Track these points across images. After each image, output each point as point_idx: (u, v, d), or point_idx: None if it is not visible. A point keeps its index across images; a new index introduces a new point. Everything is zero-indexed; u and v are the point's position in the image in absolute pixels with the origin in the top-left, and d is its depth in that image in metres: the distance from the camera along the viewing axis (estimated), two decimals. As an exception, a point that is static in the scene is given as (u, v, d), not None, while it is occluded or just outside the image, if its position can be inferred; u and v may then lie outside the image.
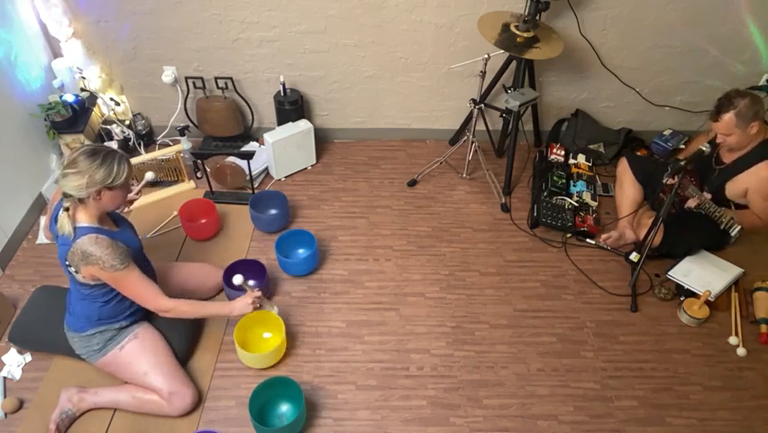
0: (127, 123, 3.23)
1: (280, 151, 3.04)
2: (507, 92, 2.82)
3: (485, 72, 2.71)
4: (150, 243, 2.75)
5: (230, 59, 3.07)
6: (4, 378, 2.20)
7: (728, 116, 2.31)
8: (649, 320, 2.51)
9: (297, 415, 1.99)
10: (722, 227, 2.42)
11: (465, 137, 3.05)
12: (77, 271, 1.87)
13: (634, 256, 2.56)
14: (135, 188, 2.26)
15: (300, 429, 2.05)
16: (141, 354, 2.05)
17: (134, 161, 2.85)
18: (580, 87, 3.24)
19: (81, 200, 1.82)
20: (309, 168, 3.25)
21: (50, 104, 2.82)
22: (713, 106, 2.39)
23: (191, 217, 2.75)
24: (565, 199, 2.93)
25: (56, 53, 3.00)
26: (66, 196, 1.81)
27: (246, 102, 3.24)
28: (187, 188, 3.06)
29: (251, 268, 2.51)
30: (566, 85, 3.24)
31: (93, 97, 3.04)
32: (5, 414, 2.09)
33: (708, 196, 2.51)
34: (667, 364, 2.34)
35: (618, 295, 2.60)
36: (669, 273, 2.63)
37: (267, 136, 3.00)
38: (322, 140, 3.41)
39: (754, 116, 2.31)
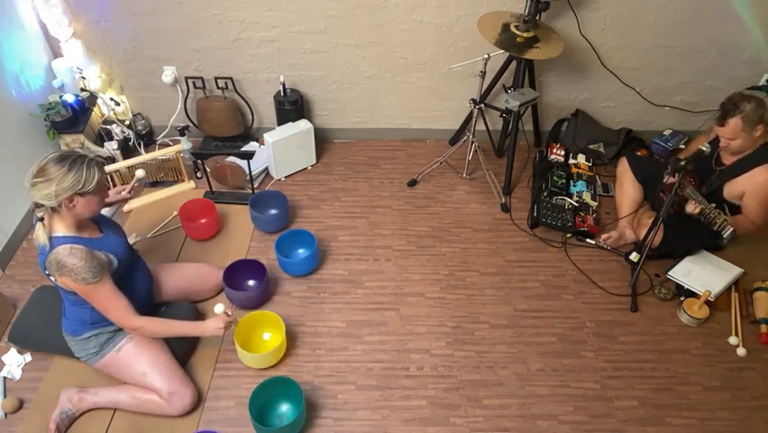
0: (127, 123, 3.23)
1: (280, 151, 3.04)
2: (507, 92, 2.82)
3: (485, 72, 2.71)
4: (150, 243, 2.75)
5: (230, 59, 3.07)
6: (4, 378, 2.20)
7: (735, 121, 2.30)
8: (649, 320, 2.51)
9: (297, 415, 1.99)
10: (715, 228, 2.42)
11: (465, 137, 3.05)
12: (56, 280, 1.85)
13: (634, 256, 2.56)
14: (127, 187, 2.23)
15: (300, 429, 2.05)
16: (138, 355, 2.05)
17: (134, 161, 2.86)
18: (580, 87, 3.24)
19: (54, 209, 1.77)
20: (309, 168, 3.25)
21: (50, 104, 2.82)
22: (718, 111, 2.37)
23: (191, 217, 2.75)
24: (565, 199, 2.93)
25: (56, 53, 3.00)
26: (38, 206, 1.76)
27: (246, 102, 3.24)
28: (187, 188, 3.06)
29: (251, 268, 2.51)
30: (566, 85, 3.24)
31: (93, 97, 3.04)
32: (5, 414, 2.09)
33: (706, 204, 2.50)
34: (667, 364, 2.34)
35: (618, 295, 2.60)
36: (669, 273, 2.63)
37: (267, 136, 3.00)
38: (322, 140, 3.41)
39: (758, 120, 2.30)
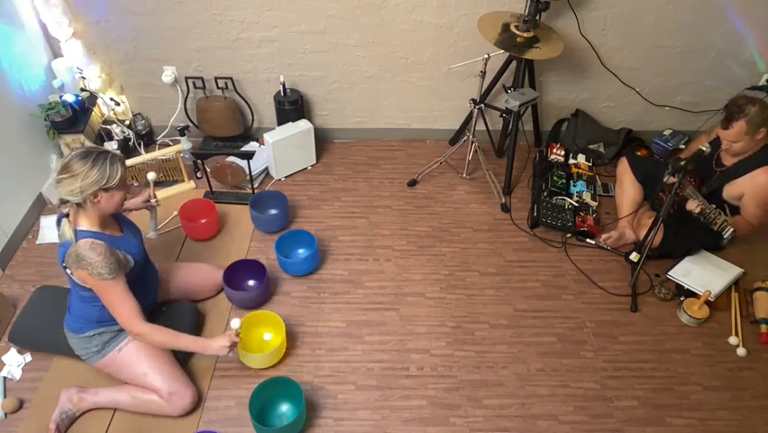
0: (127, 123, 3.23)
1: (280, 151, 3.04)
2: (507, 92, 2.82)
3: (485, 72, 2.71)
4: (151, 243, 2.74)
5: (230, 59, 3.07)
6: (4, 378, 2.20)
7: (739, 124, 2.30)
8: (649, 320, 2.51)
9: (297, 415, 1.99)
10: (715, 228, 2.42)
11: (465, 137, 3.05)
12: (72, 273, 1.87)
13: (634, 256, 2.56)
14: (147, 193, 2.30)
15: (300, 429, 2.05)
16: (139, 356, 2.05)
17: (134, 161, 2.86)
18: (580, 87, 3.24)
19: (79, 205, 1.81)
20: (309, 168, 3.25)
21: (50, 104, 2.82)
22: (722, 114, 2.37)
23: (191, 217, 2.75)
24: (565, 199, 2.93)
25: (56, 53, 3.00)
26: (63, 202, 1.80)
27: (246, 102, 3.24)
28: (187, 188, 3.06)
29: (251, 268, 2.51)
30: (566, 85, 3.24)
31: (93, 97, 3.03)
32: (5, 414, 2.09)
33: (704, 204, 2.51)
34: (667, 364, 2.34)
35: (618, 295, 2.60)
36: (669, 273, 2.63)
37: (267, 136, 3.00)
38: (322, 140, 3.41)
39: (762, 123, 2.30)
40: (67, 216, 1.81)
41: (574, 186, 3.06)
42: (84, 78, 2.99)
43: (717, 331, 2.47)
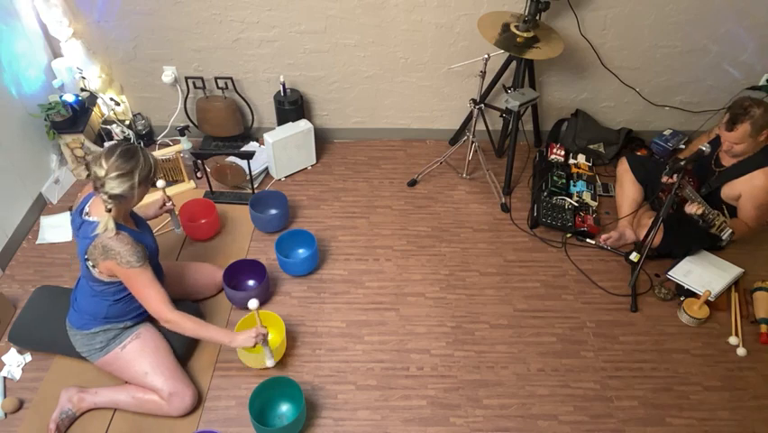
0: (127, 123, 3.23)
1: (280, 151, 3.04)
2: (507, 92, 2.82)
3: (485, 72, 2.71)
4: (150, 243, 2.75)
5: (230, 59, 3.07)
6: (4, 378, 2.20)
7: (744, 126, 2.31)
8: (649, 320, 2.51)
9: (297, 415, 1.99)
10: (714, 230, 2.42)
11: (465, 137, 3.05)
12: (94, 266, 1.89)
13: (634, 256, 2.56)
14: (160, 199, 2.35)
15: (300, 429, 2.05)
16: (142, 354, 2.05)
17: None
18: (580, 87, 3.24)
19: (124, 199, 1.84)
20: (309, 168, 3.25)
21: (50, 104, 2.82)
22: (726, 116, 2.36)
23: (191, 217, 2.75)
24: (565, 199, 2.93)
25: (56, 53, 3.00)
26: (113, 198, 1.80)
27: (246, 102, 3.24)
28: (187, 188, 3.06)
29: (251, 268, 2.51)
30: (566, 85, 3.24)
31: (93, 97, 3.03)
32: (5, 414, 2.09)
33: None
34: (667, 364, 2.34)
35: (618, 295, 2.60)
36: (669, 273, 2.63)
37: (267, 136, 3.00)
38: (322, 140, 3.41)
39: (765, 125, 2.31)
40: (109, 210, 1.82)
41: (574, 186, 3.06)
42: (84, 78, 2.99)
43: (717, 331, 2.47)
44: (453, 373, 2.29)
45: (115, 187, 1.79)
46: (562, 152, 3.22)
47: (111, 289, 1.97)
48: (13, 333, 2.25)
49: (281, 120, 3.16)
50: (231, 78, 3.09)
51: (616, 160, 3.19)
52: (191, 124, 3.29)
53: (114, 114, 3.18)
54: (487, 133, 3.23)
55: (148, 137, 3.32)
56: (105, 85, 3.11)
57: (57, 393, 2.08)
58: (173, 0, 2.81)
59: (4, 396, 2.14)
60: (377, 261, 2.72)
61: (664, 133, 3.34)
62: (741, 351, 2.38)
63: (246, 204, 2.86)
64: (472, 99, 2.87)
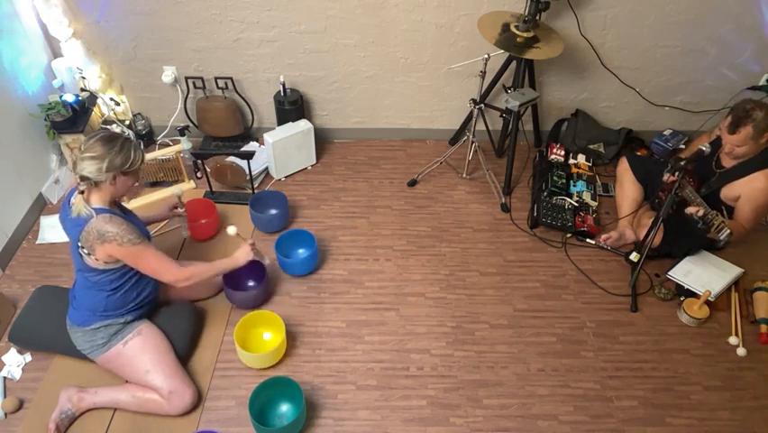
0: (127, 123, 3.23)
1: (280, 151, 3.04)
2: (507, 92, 2.82)
3: (485, 72, 2.71)
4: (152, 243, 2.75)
5: (230, 59, 3.07)
6: (4, 378, 2.20)
7: (747, 129, 2.30)
8: (649, 320, 2.51)
9: (297, 415, 1.99)
10: (713, 230, 2.42)
11: (465, 137, 3.05)
12: (89, 254, 1.90)
13: (634, 256, 2.56)
14: (173, 204, 2.45)
15: (300, 429, 2.05)
16: (143, 351, 2.05)
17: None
18: (580, 87, 3.24)
19: (96, 184, 1.87)
20: (309, 168, 3.25)
21: (50, 104, 2.82)
22: (728, 118, 2.36)
23: (191, 217, 2.75)
24: (565, 199, 2.93)
25: (56, 53, 3.00)
26: (82, 179, 1.85)
27: (246, 102, 3.24)
28: (187, 188, 3.06)
29: (251, 268, 2.51)
30: (566, 85, 3.24)
31: (93, 97, 3.03)
32: (5, 414, 2.09)
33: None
34: (667, 364, 2.34)
35: (618, 295, 2.60)
36: (669, 273, 2.63)
37: (267, 136, 3.00)
38: (322, 140, 3.41)
39: (767, 127, 2.31)
40: (82, 192, 1.87)
41: (574, 186, 3.06)
42: (84, 78, 2.99)
43: (717, 331, 2.47)
44: (453, 373, 2.29)
45: (85, 168, 1.82)
46: (562, 152, 3.22)
47: (107, 277, 1.98)
48: (13, 333, 2.25)
49: (281, 120, 3.16)
50: (231, 78, 3.09)
51: (616, 160, 3.19)
52: (191, 124, 3.29)
53: (114, 114, 3.18)
54: (487, 133, 3.23)
55: (148, 137, 3.32)
56: (104, 85, 3.11)
57: (57, 393, 2.08)
58: (173, 0, 2.81)
59: (4, 396, 2.14)
60: (377, 261, 2.72)
61: (664, 133, 3.34)
62: (741, 351, 2.38)
63: (246, 204, 2.86)
64: (472, 99, 2.87)
